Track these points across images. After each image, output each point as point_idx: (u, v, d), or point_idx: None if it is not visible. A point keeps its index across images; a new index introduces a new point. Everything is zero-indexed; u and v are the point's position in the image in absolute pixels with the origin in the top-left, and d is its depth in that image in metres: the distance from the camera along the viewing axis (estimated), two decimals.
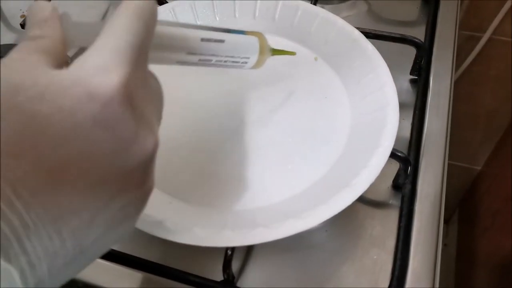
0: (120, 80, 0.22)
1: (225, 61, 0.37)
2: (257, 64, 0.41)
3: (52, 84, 0.21)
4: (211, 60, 0.36)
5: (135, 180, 0.24)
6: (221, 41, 0.36)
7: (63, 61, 0.25)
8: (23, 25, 0.58)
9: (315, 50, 0.51)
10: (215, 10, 0.53)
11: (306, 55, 0.51)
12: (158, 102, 0.29)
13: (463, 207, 1.16)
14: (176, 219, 0.37)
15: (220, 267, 0.38)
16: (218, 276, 0.39)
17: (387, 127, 0.41)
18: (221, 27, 0.37)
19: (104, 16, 0.65)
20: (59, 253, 0.21)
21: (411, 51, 0.52)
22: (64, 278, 0.23)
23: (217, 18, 0.53)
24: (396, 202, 0.44)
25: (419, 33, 0.55)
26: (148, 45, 0.26)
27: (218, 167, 0.43)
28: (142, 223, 0.35)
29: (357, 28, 0.49)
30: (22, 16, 0.65)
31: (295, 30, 0.52)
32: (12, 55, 0.23)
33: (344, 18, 0.50)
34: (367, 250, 0.42)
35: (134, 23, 0.25)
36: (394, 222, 0.43)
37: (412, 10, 0.62)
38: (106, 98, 0.22)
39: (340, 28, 0.49)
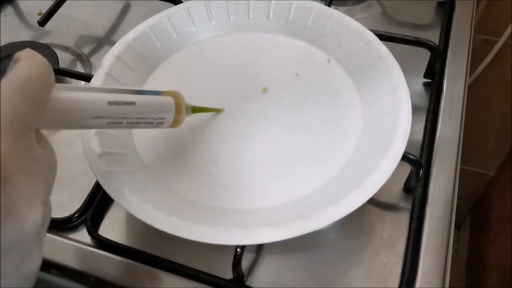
0: None
1: (138, 123, 0.36)
2: (176, 123, 0.40)
3: None
4: (121, 123, 0.35)
5: (12, 260, 0.23)
6: (131, 103, 0.35)
7: None
8: (40, 23, 0.59)
9: (328, 51, 0.51)
10: (230, 11, 0.54)
11: (320, 56, 0.51)
12: (46, 172, 0.27)
13: (475, 212, 1.15)
14: (186, 216, 0.37)
15: (230, 265, 0.38)
16: (228, 274, 0.39)
17: (399, 130, 0.41)
18: (134, 89, 0.36)
19: (118, 16, 0.65)
20: None
21: (425, 54, 0.52)
22: None
23: (231, 19, 0.54)
24: (407, 205, 0.44)
25: (433, 36, 0.55)
26: (35, 117, 0.26)
27: (229, 167, 0.43)
28: (152, 219, 0.36)
29: (371, 30, 0.49)
30: (39, 13, 0.66)
31: (308, 31, 0.52)
32: None
33: (358, 20, 0.50)
34: (377, 252, 0.42)
35: (16, 96, 0.24)
36: (405, 225, 0.43)
37: (427, 13, 0.62)
38: None
39: (353, 30, 0.50)
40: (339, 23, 0.51)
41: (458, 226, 1.21)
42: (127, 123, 0.35)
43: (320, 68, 0.50)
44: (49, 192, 0.27)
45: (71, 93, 0.31)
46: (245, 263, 0.41)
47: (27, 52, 0.27)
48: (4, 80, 0.24)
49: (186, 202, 0.40)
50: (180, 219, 0.36)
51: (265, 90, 0.49)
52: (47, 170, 0.27)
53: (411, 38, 0.52)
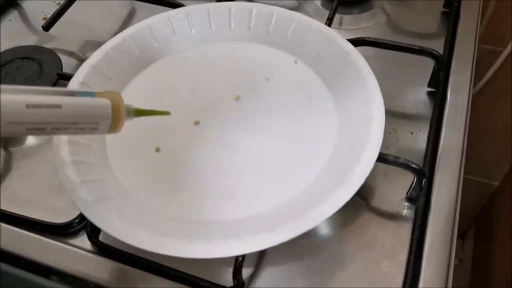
0: None
1: (65, 128, 0.32)
2: (115, 128, 0.35)
3: None
4: (45, 129, 0.31)
5: None
6: (56, 106, 0.31)
7: None
8: (44, 27, 0.59)
9: (294, 53, 0.52)
10: (190, 23, 0.54)
11: (286, 59, 0.52)
12: None
13: (479, 222, 1.15)
14: (178, 235, 0.37)
15: (231, 273, 0.38)
16: (229, 282, 0.39)
17: (374, 121, 0.42)
18: (63, 89, 0.32)
19: (125, 20, 0.65)
20: None
21: (430, 64, 0.52)
22: None
23: (193, 31, 0.54)
24: (409, 214, 0.44)
25: (438, 46, 0.55)
26: None
27: (212, 179, 0.43)
28: (144, 243, 0.36)
29: (376, 38, 0.49)
30: (44, 18, 0.66)
31: (272, 36, 0.53)
32: None
33: (363, 28, 0.50)
34: (379, 261, 0.41)
35: None
36: (407, 234, 0.43)
37: (432, 22, 0.62)
38: None
39: (316, 30, 0.51)
40: (301, 25, 0.52)
41: (462, 236, 1.20)
42: (52, 129, 0.31)
43: (288, 70, 0.51)
44: None
45: None
46: (246, 272, 0.41)
47: None
48: None
49: (175, 221, 0.40)
50: (173, 238, 0.36)
51: (237, 98, 0.49)
52: None
53: (415, 47, 0.52)
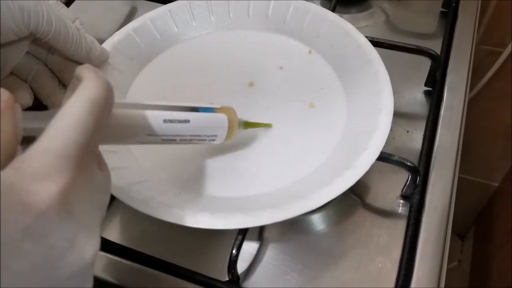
0: (60, 189, 0.21)
1: (191, 140, 0.37)
2: (228, 138, 0.40)
3: None
4: (175, 140, 0.36)
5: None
6: (186, 121, 0.36)
7: (13, 154, 0.22)
8: None
9: (308, 43, 0.53)
10: (210, 11, 0.55)
11: (301, 49, 0.53)
12: (102, 195, 0.26)
13: (479, 223, 1.15)
14: (186, 207, 0.38)
15: (226, 267, 0.39)
16: (224, 276, 0.40)
17: (383, 111, 0.43)
18: (189, 105, 0.37)
19: (125, 19, 0.66)
20: None
21: (427, 63, 0.52)
22: None
23: (212, 18, 0.55)
24: (404, 212, 0.44)
25: (436, 46, 0.55)
26: (99, 141, 0.25)
27: (224, 158, 0.44)
28: (152, 209, 0.37)
29: (373, 38, 0.50)
30: None
31: (288, 26, 0.54)
32: None
33: (361, 27, 0.51)
34: (373, 258, 0.42)
35: (84, 119, 0.23)
36: (401, 232, 0.43)
37: (430, 22, 0.62)
38: (42, 209, 0.20)
39: (331, 21, 0.52)
40: (317, 16, 0.53)
41: (462, 237, 1.21)
42: (180, 140, 0.36)
43: (302, 60, 0.52)
44: (103, 215, 0.26)
45: (128, 110, 0.32)
46: (241, 267, 0.41)
47: (89, 71, 0.26)
48: (69, 104, 0.23)
49: (185, 194, 0.41)
50: (181, 210, 0.37)
51: (251, 84, 0.50)
52: (104, 194, 0.26)
53: (412, 47, 0.52)
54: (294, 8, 0.54)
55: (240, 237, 0.39)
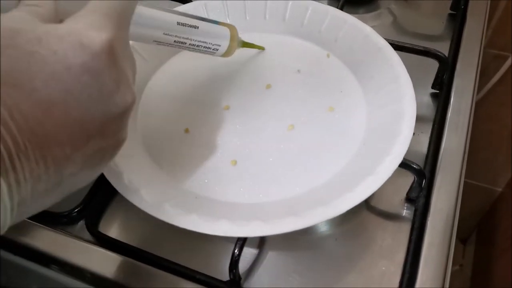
0: (109, 37, 0.26)
1: (198, 46, 0.43)
2: (227, 53, 0.47)
3: (49, 32, 0.24)
4: (185, 43, 0.41)
5: (113, 127, 0.28)
6: (195, 26, 0.42)
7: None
8: None
9: (326, 47, 0.53)
10: (226, 13, 0.55)
11: (319, 52, 0.53)
12: (133, 66, 0.31)
13: (481, 228, 1.15)
14: (204, 213, 0.37)
15: (227, 267, 0.38)
16: (225, 276, 0.39)
17: (406, 117, 0.42)
18: (197, 15, 0.43)
19: None
20: (42, 177, 0.24)
21: (434, 65, 0.52)
22: (42, 206, 0.27)
23: (228, 20, 0.55)
24: (408, 215, 0.44)
25: (443, 48, 0.55)
26: (131, 12, 0.30)
27: (241, 163, 0.44)
28: (171, 218, 0.36)
29: None
30: None
31: (306, 29, 0.54)
32: (13, 12, 0.26)
33: None
34: (376, 261, 0.41)
35: None
36: (406, 235, 0.43)
37: (438, 24, 0.62)
38: (96, 50, 0.25)
39: (350, 25, 0.51)
40: (335, 20, 0.52)
41: (464, 241, 1.20)
42: (190, 44, 0.42)
43: (320, 63, 0.52)
44: (134, 82, 0.30)
45: (149, 9, 0.37)
46: (242, 267, 0.41)
47: None
48: None
49: (201, 199, 0.41)
50: (198, 215, 0.37)
51: (268, 86, 0.50)
52: (134, 66, 0.31)
53: (420, 48, 0.52)
54: (312, 11, 0.53)
55: (242, 237, 0.39)
